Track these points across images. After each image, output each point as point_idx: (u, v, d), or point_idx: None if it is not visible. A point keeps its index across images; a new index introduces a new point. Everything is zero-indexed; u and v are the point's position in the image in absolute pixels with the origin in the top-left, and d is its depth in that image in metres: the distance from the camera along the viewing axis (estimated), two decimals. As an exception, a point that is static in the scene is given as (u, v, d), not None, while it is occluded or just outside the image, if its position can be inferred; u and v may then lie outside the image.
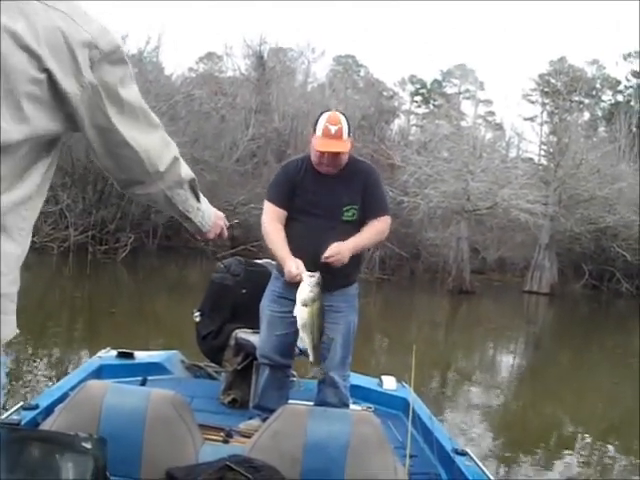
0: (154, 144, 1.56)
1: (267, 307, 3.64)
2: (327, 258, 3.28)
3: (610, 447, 7.32)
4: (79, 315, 12.02)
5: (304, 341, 3.16)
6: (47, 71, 1.30)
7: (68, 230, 19.28)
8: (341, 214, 3.48)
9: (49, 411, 2.93)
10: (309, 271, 3.15)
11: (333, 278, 3.27)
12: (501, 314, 19.69)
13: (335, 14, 63.30)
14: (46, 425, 2.65)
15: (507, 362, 12.74)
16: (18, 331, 1.42)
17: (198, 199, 1.82)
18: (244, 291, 4.22)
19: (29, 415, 3.04)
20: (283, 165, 3.79)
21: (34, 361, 7.93)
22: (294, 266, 3.25)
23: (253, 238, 17.71)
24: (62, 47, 1.31)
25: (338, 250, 3.28)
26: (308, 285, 3.08)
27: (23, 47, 1.28)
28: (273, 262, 3.93)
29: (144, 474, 2.58)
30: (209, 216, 1.94)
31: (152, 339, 8.67)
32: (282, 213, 3.52)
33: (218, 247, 21.86)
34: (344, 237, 3.39)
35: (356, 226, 3.48)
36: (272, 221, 3.52)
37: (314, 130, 3.44)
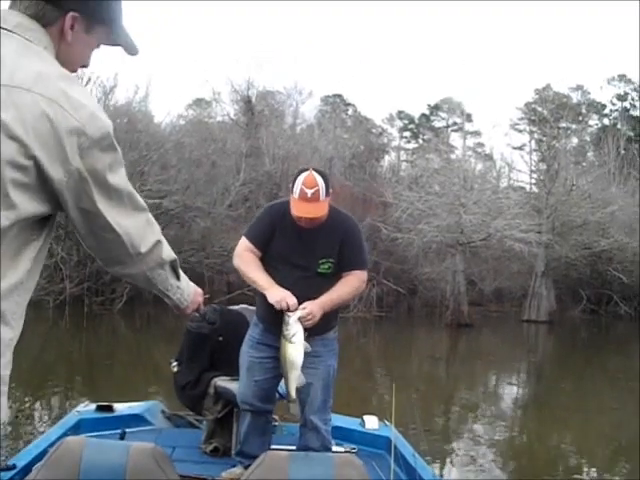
0: (138, 227, 1.58)
1: (246, 353, 3.65)
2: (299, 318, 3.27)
3: (617, 477, 7.24)
4: (76, 369, 11.92)
5: (285, 376, 3.23)
6: (34, 158, 1.33)
7: (63, 283, 19.24)
8: (317, 266, 3.47)
9: (27, 471, 2.89)
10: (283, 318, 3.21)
11: (310, 327, 3.30)
12: (501, 345, 19.62)
13: (320, 55, 64.06)
14: None
15: (510, 393, 12.66)
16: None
17: (178, 278, 1.84)
18: (221, 339, 4.22)
19: (6, 476, 3.01)
20: (268, 206, 3.78)
21: (29, 417, 7.86)
22: (276, 293, 3.28)
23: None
24: (50, 135, 1.33)
25: (309, 311, 3.26)
26: (288, 322, 3.15)
27: (11, 137, 1.30)
28: (251, 308, 3.95)
29: None
30: (188, 293, 1.96)
31: (151, 388, 8.61)
32: (257, 253, 3.52)
33: (214, 293, 21.88)
34: (318, 289, 3.38)
35: (332, 279, 3.47)
36: (246, 252, 3.53)
37: (291, 189, 3.43)
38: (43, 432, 4.43)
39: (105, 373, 11.23)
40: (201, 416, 4.36)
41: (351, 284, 3.51)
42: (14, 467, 3.09)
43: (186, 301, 1.95)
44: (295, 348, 3.15)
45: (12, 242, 1.35)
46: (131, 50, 1.65)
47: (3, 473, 3.07)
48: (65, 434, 3.59)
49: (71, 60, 1.52)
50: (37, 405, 8.70)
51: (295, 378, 3.20)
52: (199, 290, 2.08)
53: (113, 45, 1.62)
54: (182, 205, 21.92)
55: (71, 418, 4.26)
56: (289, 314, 3.17)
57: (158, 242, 1.66)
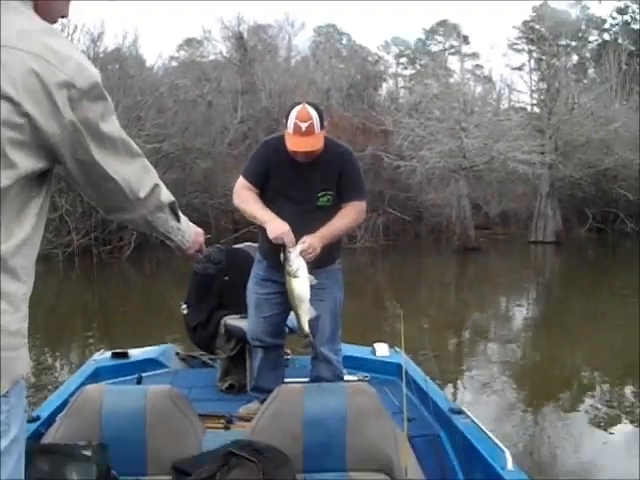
0: (135, 173, 1.60)
1: (252, 290, 3.67)
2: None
3: (629, 388, 7.36)
4: (91, 318, 12.07)
5: (295, 311, 3.24)
6: (27, 115, 1.33)
7: (70, 235, 19.30)
8: (316, 199, 3.45)
9: (51, 421, 2.95)
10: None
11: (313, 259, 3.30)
12: (509, 267, 19.73)
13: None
14: (49, 436, 2.68)
15: (520, 314, 12.78)
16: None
17: (178, 219, 1.88)
18: (227, 278, 4.25)
19: (32, 427, 3.06)
20: (263, 142, 3.71)
21: (49, 368, 8.00)
22: (276, 227, 3.27)
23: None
24: (39, 91, 1.34)
25: (309, 244, 3.24)
26: (290, 257, 3.16)
27: (2, 96, 1.30)
28: (254, 245, 3.95)
29: (151, 470, 2.62)
30: (189, 234, 2.00)
31: (165, 332, 8.71)
32: (255, 191, 3.50)
33: (221, 233, 21.96)
34: (319, 223, 3.37)
35: (331, 211, 3.45)
36: (243, 189, 3.51)
37: (286, 124, 3.37)
38: (63, 382, 4.50)
39: (119, 320, 11.37)
40: (214, 355, 4.44)
41: (349, 215, 3.49)
42: (38, 418, 3.15)
43: (188, 242, 1.99)
44: (300, 282, 3.16)
45: (15, 200, 1.37)
46: None
47: (28, 425, 3.12)
48: (84, 383, 3.65)
49: (50, 11, 1.51)
50: (56, 356, 8.84)
51: (305, 311, 3.21)
52: (199, 230, 2.11)
53: None
54: (182, 147, 21.80)
55: (88, 367, 4.33)
56: (290, 249, 3.17)
57: (156, 186, 1.68)
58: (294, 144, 3.34)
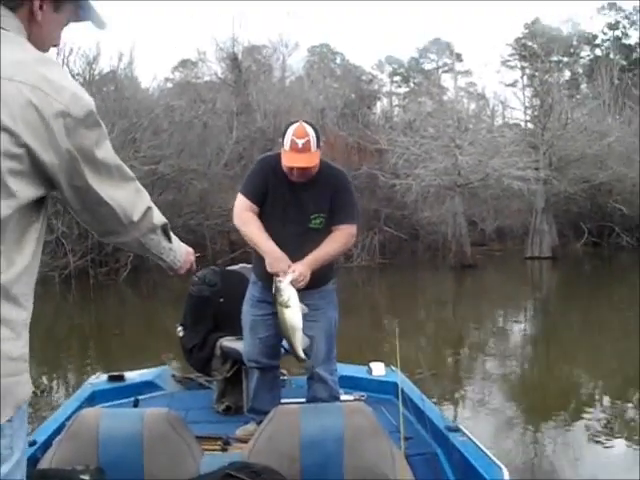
0: (128, 197, 1.62)
1: (248, 312, 3.69)
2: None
3: (629, 404, 7.34)
4: (88, 340, 12.04)
5: (288, 341, 3.25)
6: (25, 146, 1.37)
7: (67, 257, 19.27)
8: (309, 222, 3.48)
9: (47, 445, 2.94)
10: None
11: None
12: (506, 283, 19.74)
13: (304, 5, 63.02)
14: (46, 460, 2.67)
15: (518, 330, 12.79)
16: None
17: (170, 240, 1.89)
18: (222, 300, 4.28)
19: (28, 452, 3.06)
20: (259, 159, 3.74)
21: (45, 391, 7.97)
22: (276, 262, 3.30)
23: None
24: (37, 121, 1.37)
25: (299, 273, 3.25)
26: (280, 287, 3.16)
27: (1, 128, 1.34)
28: (248, 266, 3.98)
29: None
30: (180, 254, 2.01)
31: (163, 353, 8.68)
32: (254, 208, 3.51)
33: (217, 253, 21.95)
34: (311, 244, 3.40)
35: (324, 233, 3.48)
36: (245, 211, 3.51)
37: (282, 142, 3.40)
38: (59, 405, 4.50)
39: (116, 342, 11.34)
40: (210, 377, 4.44)
41: (339, 240, 3.50)
42: (34, 443, 3.14)
43: (179, 262, 2.01)
44: (292, 311, 3.17)
45: (15, 228, 1.40)
46: (99, 25, 1.68)
47: None
48: (80, 407, 3.65)
49: (43, 41, 1.54)
50: (52, 378, 8.80)
51: (299, 340, 3.22)
52: (190, 249, 2.14)
53: (82, 21, 1.65)
54: (177, 169, 21.83)
55: (85, 390, 4.34)
56: (280, 279, 3.18)
57: (149, 209, 1.71)
58: (290, 160, 3.37)
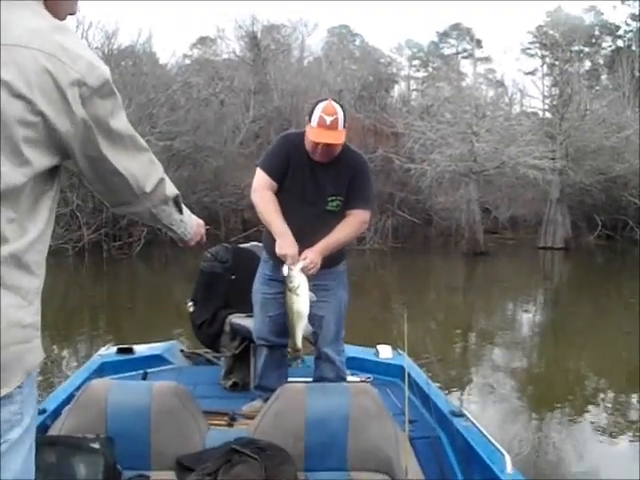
0: (141, 168, 1.63)
1: (259, 290, 3.71)
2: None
3: (635, 396, 7.35)
4: (99, 313, 12.14)
5: (291, 326, 3.26)
6: (41, 114, 1.37)
7: (81, 230, 19.39)
8: (325, 204, 3.49)
9: (57, 414, 2.99)
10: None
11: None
12: (517, 272, 19.69)
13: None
14: (55, 428, 2.71)
15: (528, 320, 12.77)
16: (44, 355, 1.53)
17: (181, 212, 1.90)
18: (233, 277, 4.30)
19: (38, 420, 3.11)
20: (282, 135, 3.72)
21: (56, 361, 8.06)
22: (286, 245, 3.29)
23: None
24: (52, 89, 1.37)
25: (311, 261, 3.26)
26: (291, 274, 3.17)
27: (17, 95, 1.34)
28: (260, 244, 3.98)
29: (155, 465, 2.65)
30: (191, 226, 2.03)
31: (174, 329, 8.75)
32: (273, 185, 3.50)
33: (230, 231, 22.01)
34: (327, 226, 3.41)
35: (339, 216, 3.49)
36: (265, 189, 3.50)
37: (309, 119, 3.41)
38: (69, 376, 4.56)
39: (128, 316, 11.43)
40: (219, 353, 4.49)
41: (352, 225, 3.51)
42: (44, 411, 3.18)
43: (190, 233, 2.02)
44: (301, 299, 3.18)
45: (29, 196, 1.42)
46: None
47: None
48: (89, 377, 3.71)
49: (58, 9, 1.53)
50: (63, 350, 8.90)
51: (302, 328, 3.23)
52: (200, 222, 2.15)
53: None
54: (193, 145, 21.86)
55: (94, 362, 4.39)
56: (291, 266, 3.19)
57: (161, 180, 1.72)
58: (317, 136, 3.37)
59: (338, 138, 3.39)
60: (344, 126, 3.41)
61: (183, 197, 1.86)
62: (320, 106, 3.40)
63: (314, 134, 3.37)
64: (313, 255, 3.28)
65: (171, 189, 1.78)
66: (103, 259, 18.30)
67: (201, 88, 24.30)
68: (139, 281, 16.83)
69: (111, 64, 22.28)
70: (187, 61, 30.69)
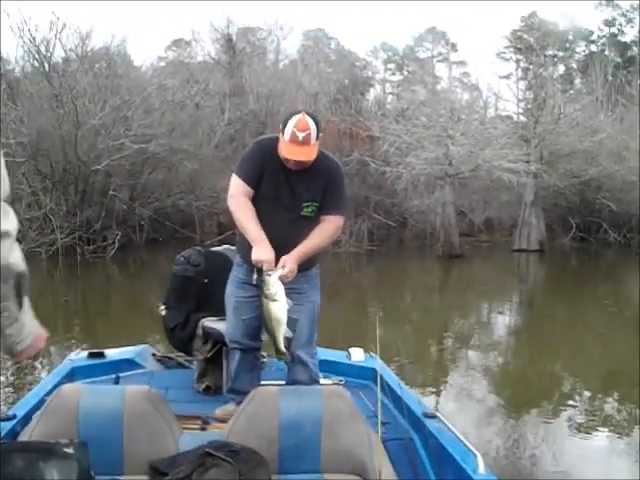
0: None
1: (232, 293, 3.69)
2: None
3: (610, 398, 7.43)
4: (73, 317, 12.01)
5: (271, 333, 3.25)
6: None
7: (54, 233, 19.16)
8: (301, 209, 3.49)
9: (27, 420, 2.94)
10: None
11: None
12: (493, 275, 19.83)
13: (301, -11, 62.57)
14: (25, 434, 2.67)
15: (503, 322, 12.86)
16: None
17: (21, 305, 1.36)
18: (206, 280, 4.28)
19: (7, 426, 3.07)
20: (257, 141, 3.69)
21: (28, 367, 7.96)
22: (263, 252, 3.27)
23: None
24: None
25: (289, 270, 3.25)
26: (269, 281, 3.17)
27: None
28: (232, 248, 3.98)
29: (128, 470, 2.63)
30: (29, 334, 1.42)
31: (149, 333, 8.69)
32: (250, 191, 3.49)
33: (206, 234, 21.92)
34: (302, 232, 3.41)
35: (314, 222, 3.49)
36: (241, 195, 3.48)
37: (282, 130, 3.39)
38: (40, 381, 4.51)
39: (102, 320, 11.34)
40: (191, 357, 4.46)
41: (326, 231, 3.51)
42: (14, 417, 3.16)
43: (24, 344, 1.40)
44: (278, 306, 3.18)
45: None
46: None
47: (4, 423, 3.12)
48: (60, 382, 3.66)
49: None
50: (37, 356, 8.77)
51: (282, 333, 3.23)
52: (43, 333, 1.56)
53: None
54: (168, 148, 21.75)
55: (65, 366, 4.34)
56: (269, 273, 3.18)
57: (6, 233, 1.30)
58: (289, 152, 3.36)
59: (310, 154, 3.39)
60: (317, 138, 3.39)
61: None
62: (293, 120, 3.36)
63: (286, 150, 3.37)
64: (291, 263, 3.27)
65: (17, 259, 1.30)
66: (77, 263, 18.12)
67: (176, 91, 24.19)
68: (114, 285, 16.70)
69: (85, 66, 22.16)
70: (162, 63, 30.59)
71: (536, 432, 6.16)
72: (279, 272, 3.20)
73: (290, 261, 3.27)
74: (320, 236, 3.48)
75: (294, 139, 3.32)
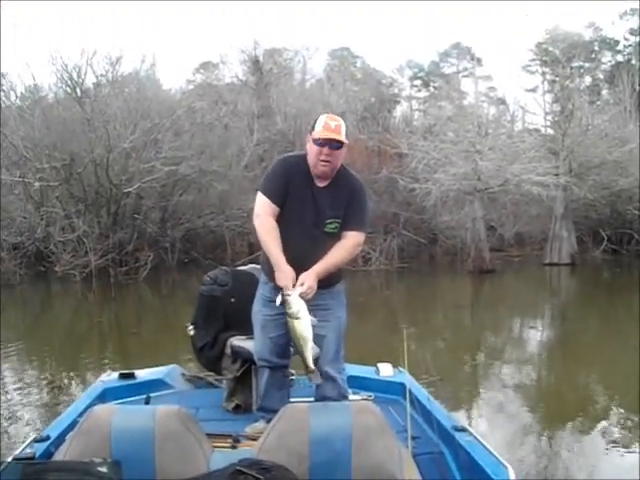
0: None
1: (259, 312, 3.73)
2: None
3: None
4: (107, 338, 12.17)
5: (299, 351, 3.29)
6: None
7: (88, 256, 19.44)
8: (324, 226, 3.53)
9: (61, 440, 2.99)
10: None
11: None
12: (524, 289, 19.66)
13: (325, 8, 63.03)
14: (59, 455, 2.71)
15: (536, 337, 12.74)
16: None
17: None
18: (232, 300, 4.33)
19: (42, 447, 3.13)
20: (282, 158, 3.74)
21: (63, 388, 8.08)
22: (283, 278, 3.33)
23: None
24: None
25: (308, 286, 3.29)
26: (290, 300, 3.22)
27: None
28: (258, 267, 4.01)
29: None
30: None
31: (182, 353, 8.77)
32: (276, 210, 3.52)
33: (237, 254, 22.06)
34: (325, 248, 3.45)
35: (337, 238, 3.53)
36: (267, 216, 3.52)
37: (311, 131, 3.51)
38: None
39: (134, 341, 11.45)
40: (220, 376, 4.50)
41: (346, 248, 3.54)
42: (48, 438, 3.21)
43: None
44: (302, 323, 3.22)
45: None
46: None
47: (38, 444, 3.19)
48: (92, 404, 3.69)
49: None
50: (70, 376, 8.92)
51: (310, 350, 3.27)
52: None
53: None
54: (198, 170, 21.98)
55: (96, 388, 4.42)
56: (289, 292, 3.23)
57: None
58: (324, 133, 3.46)
59: (342, 138, 3.49)
60: (346, 137, 3.51)
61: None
62: (323, 115, 3.57)
63: (321, 133, 3.47)
64: (310, 281, 3.31)
65: None
66: (110, 284, 18.35)
67: (205, 113, 24.47)
68: (146, 305, 16.87)
69: (115, 90, 22.55)
70: (190, 86, 31.03)
71: (571, 447, 6.10)
72: (298, 290, 3.25)
73: (308, 278, 3.32)
74: (340, 252, 3.52)
75: (327, 126, 3.48)
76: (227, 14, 58.68)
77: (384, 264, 22.68)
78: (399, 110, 36.29)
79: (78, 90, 21.94)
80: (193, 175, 22.00)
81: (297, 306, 3.21)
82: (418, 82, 46.43)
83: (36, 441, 3.23)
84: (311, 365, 3.31)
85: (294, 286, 3.29)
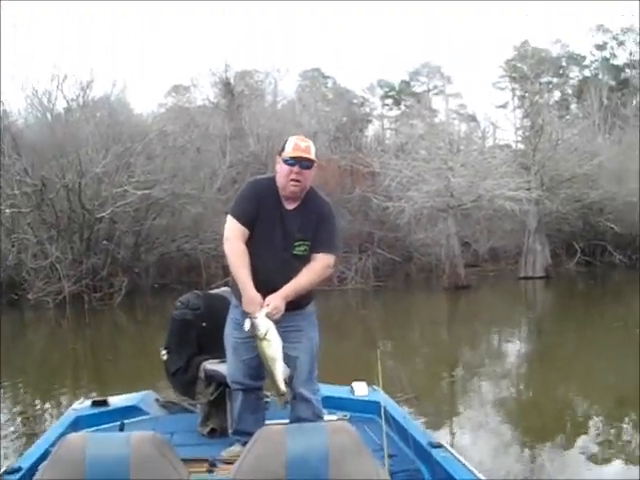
0: None
1: (230, 334, 3.71)
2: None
3: (625, 425, 7.35)
4: (81, 366, 12.01)
5: (269, 373, 3.28)
6: None
7: (61, 282, 19.22)
8: (293, 248, 3.53)
9: (33, 471, 2.92)
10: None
11: (288, 301, 3.39)
12: (500, 304, 19.78)
13: (295, 30, 63.54)
14: None
15: (513, 351, 12.78)
16: None
17: None
18: (204, 324, 4.29)
19: (14, 478, 3.07)
20: (252, 181, 3.76)
21: (36, 417, 7.95)
22: (250, 303, 3.34)
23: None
24: None
25: (274, 306, 3.30)
26: (256, 322, 3.22)
27: None
28: (228, 289, 4.01)
29: None
30: None
31: (157, 380, 8.67)
32: (245, 232, 3.52)
33: (211, 277, 21.95)
34: (294, 271, 3.46)
35: (306, 260, 3.53)
36: (237, 240, 3.52)
37: (281, 152, 3.53)
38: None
39: (110, 368, 11.31)
40: (194, 400, 4.45)
41: (315, 271, 3.54)
42: (20, 469, 3.15)
43: None
44: (271, 344, 3.22)
45: None
46: None
47: (9, 476, 3.12)
48: (64, 432, 3.63)
49: None
50: (45, 405, 8.78)
51: (280, 371, 3.26)
52: None
53: None
54: (171, 193, 21.90)
55: (68, 416, 4.34)
56: (255, 315, 3.24)
57: None
58: (295, 152, 3.49)
59: (312, 157, 3.52)
60: (314, 156, 3.55)
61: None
62: (293, 137, 3.59)
63: (291, 152, 3.49)
64: (276, 301, 3.32)
65: None
66: (85, 310, 18.13)
67: (177, 136, 24.44)
68: (121, 331, 16.69)
69: (86, 115, 22.45)
70: (162, 109, 30.97)
71: (553, 461, 6.10)
72: (265, 310, 3.25)
73: (274, 299, 3.32)
74: (308, 275, 3.51)
75: (297, 147, 3.50)
76: (197, 37, 58.90)
77: (360, 283, 22.70)
78: (371, 129, 36.65)
79: (49, 115, 21.81)
80: (166, 198, 21.91)
81: (264, 327, 3.21)
82: (389, 101, 46.87)
83: (7, 473, 3.16)
84: (282, 387, 3.29)
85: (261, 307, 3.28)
